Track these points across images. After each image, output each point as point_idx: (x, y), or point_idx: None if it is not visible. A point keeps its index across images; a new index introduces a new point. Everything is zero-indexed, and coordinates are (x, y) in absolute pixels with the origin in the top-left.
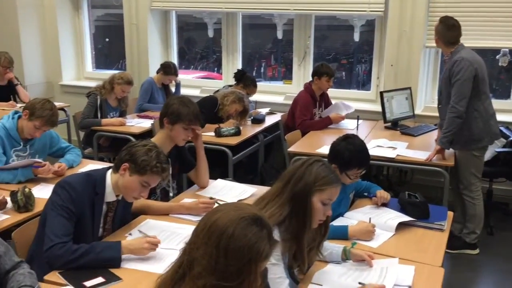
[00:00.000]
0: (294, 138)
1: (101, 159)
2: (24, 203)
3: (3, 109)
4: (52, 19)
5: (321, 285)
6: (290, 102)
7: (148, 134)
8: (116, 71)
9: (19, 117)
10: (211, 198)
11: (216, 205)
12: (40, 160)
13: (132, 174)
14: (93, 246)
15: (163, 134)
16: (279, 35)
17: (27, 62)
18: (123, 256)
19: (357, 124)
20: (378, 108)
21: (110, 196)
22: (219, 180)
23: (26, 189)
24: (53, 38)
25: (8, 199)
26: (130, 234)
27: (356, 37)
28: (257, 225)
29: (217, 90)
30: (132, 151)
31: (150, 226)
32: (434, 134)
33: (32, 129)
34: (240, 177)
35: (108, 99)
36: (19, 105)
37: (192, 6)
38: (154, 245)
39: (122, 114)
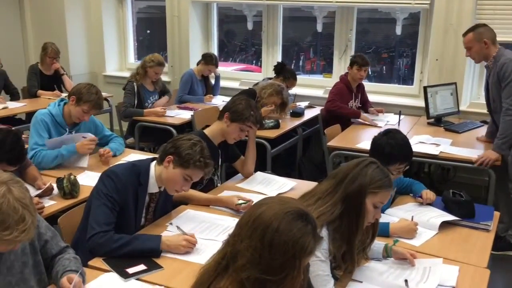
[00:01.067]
0: (334, 132)
1: (141, 149)
2: (69, 190)
3: (49, 98)
4: (97, 11)
5: (361, 282)
6: None
7: (187, 125)
8: None
9: (65, 103)
10: (238, 204)
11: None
12: (87, 134)
13: (175, 167)
14: (134, 237)
15: (219, 126)
16: (319, 28)
17: (72, 53)
18: None
19: (399, 119)
20: (421, 103)
21: (153, 187)
22: (259, 173)
23: (72, 176)
24: (98, 30)
25: (55, 185)
26: (171, 223)
27: (398, 30)
28: (302, 220)
29: (257, 83)
30: (177, 144)
31: (189, 216)
32: (480, 131)
33: (80, 113)
34: (277, 171)
35: (144, 83)
36: (64, 94)
37: None
38: (191, 243)
39: (161, 95)
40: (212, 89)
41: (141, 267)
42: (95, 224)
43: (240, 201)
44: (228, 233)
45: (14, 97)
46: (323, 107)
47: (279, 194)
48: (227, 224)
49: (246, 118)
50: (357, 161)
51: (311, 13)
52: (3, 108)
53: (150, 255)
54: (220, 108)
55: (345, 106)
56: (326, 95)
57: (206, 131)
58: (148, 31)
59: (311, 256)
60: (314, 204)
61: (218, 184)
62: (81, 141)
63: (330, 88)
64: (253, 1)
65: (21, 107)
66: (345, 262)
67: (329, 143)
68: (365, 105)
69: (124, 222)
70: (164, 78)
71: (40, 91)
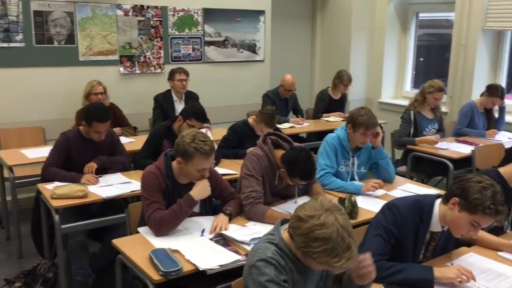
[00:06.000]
0: None
1: (411, 178)
2: (350, 210)
3: (327, 121)
4: (380, 40)
5: None
6: None
7: (466, 160)
8: None
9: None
10: None
11: None
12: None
13: (461, 211)
14: (406, 266)
15: None
16: None
17: (353, 80)
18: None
19: None
20: None
21: (435, 226)
22: None
23: (353, 198)
24: (378, 58)
25: None
26: (452, 263)
27: None
28: None
29: None
30: (464, 186)
31: (472, 261)
32: None
33: (360, 137)
34: None
35: (421, 111)
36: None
37: None
38: (465, 273)
39: (441, 124)
40: (495, 123)
41: None
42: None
43: None
44: None
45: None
46: None
47: None
48: None
49: None
50: None
51: None
52: (290, 127)
53: (422, 285)
54: (506, 146)
55: None
56: None
57: (501, 170)
58: (421, 59)
59: None
60: None
61: (508, 231)
62: (369, 183)
63: None
64: None
65: (305, 127)
66: None
67: None
68: None
69: (401, 256)
70: (442, 109)
71: (324, 114)
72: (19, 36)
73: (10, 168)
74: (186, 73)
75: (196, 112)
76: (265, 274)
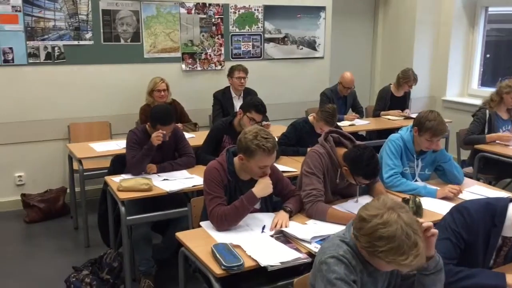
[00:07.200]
0: None
1: (477, 180)
2: (414, 211)
3: (388, 119)
4: (446, 35)
5: None
6: None
7: None
8: None
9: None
10: None
11: None
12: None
13: None
14: (476, 271)
15: None
16: None
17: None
18: None
19: None
20: None
21: (508, 230)
22: None
23: (417, 199)
24: (443, 54)
25: None
26: None
27: None
28: None
29: None
30: None
31: None
32: None
33: (425, 142)
34: None
35: (498, 111)
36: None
37: None
38: None
39: None
40: None
41: None
42: None
43: None
44: None
45: (359, 115)
46: None
47: None
48: None
49: None
50: None
51: None
52: (350, 125)
53: None
54: None
55: None
56: None
57: None
58: (488, 55)
59: None
60: None
61: None
62: (446, 188)
63: None
64: None
65: (365, 125)
66: None
67: None
68: None
69: (471, 261)
70: None
71: (382, 112)
72: (89, 34)
73: (80, 161)
74: (245, 70)
75: (256, 104)
76: (334, 271)
